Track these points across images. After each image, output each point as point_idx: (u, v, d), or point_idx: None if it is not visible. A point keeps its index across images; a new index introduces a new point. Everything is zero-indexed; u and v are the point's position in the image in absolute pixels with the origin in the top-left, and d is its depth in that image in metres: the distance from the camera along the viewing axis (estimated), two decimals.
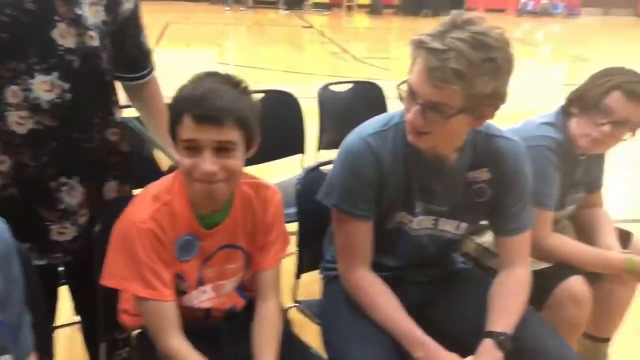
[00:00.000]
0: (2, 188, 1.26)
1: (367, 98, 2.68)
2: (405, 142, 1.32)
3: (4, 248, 0.94)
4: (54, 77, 1.22)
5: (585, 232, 1.84)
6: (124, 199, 1.28)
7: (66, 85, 1.24)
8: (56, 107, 1.24)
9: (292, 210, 1.61)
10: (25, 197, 1.28)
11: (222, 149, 1.16)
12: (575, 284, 1.57)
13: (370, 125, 1.36)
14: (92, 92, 1.31)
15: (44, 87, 1.22)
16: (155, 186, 1.26)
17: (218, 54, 8.70)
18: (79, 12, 1.24)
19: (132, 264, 1.18)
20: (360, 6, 14.34)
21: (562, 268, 1.62)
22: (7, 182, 1.26)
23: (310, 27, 11.69)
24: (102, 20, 1.29)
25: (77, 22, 1.24)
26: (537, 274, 1.50)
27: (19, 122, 1.21)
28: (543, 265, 1.63)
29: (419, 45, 1.17)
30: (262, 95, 2.45)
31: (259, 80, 6.73)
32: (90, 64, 1.28)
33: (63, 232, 1.33)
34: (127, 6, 1.36)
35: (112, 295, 1.29)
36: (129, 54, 1.43)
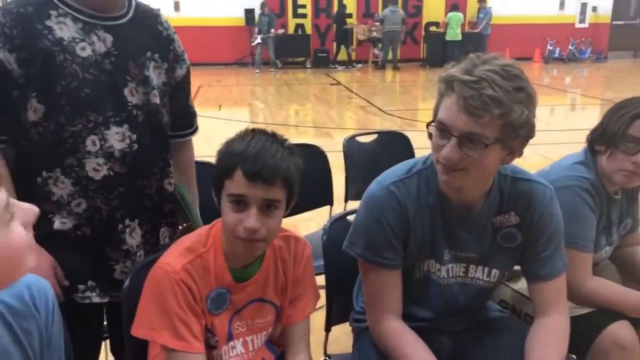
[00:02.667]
0: (75, 227, 1.36)
1: (393, 148, 2.69)
2: (429, 189, 1.31)
3: (46, 310, 0.96)
4: (125, 128, 1.36)
5: (628, 272, 1.77)
6: (153, 259, 1.29)
7: (134, 137, 1.38)
8: (125, 155, 1.37)
9: (321, 262, 1.60)
10: (95, 237, 1.37)
11: (267, 207, 1.17)
12: (621, 329, 1.49)
13: (393, 172, 1.36)
14: (153, 144, 1.43)
15: (117, 137, 1.35)
16: (189, 238, 1.28)
17: (249, 114, 8.93)
18: (147, 73, 1.40)
19: (163, 314, 1.18)
20: (387, 61, 14.62)
21: (605, 313, 1.54)
22: (81, 222, 1.36)
23: (338, 83, 11.93)
24: (162, 82, 1.44)
25: (144, 82, 1.39)
26: (577, 320, 1.43)
27: (95, 168, 1.34)
28: (584, 310, 1.56)
29: (450, 79, 1.17)
30: None
31: (290, 136, 6.83)
32: (152, 119, 1.42)
33: (125, 272, 1.40)
34: (179, 72, 1.51)
35: (144, 348, 1.27)
36: (177, 114, 1.54)
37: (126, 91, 1.36)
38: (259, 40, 13.62)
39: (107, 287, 1.40)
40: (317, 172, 2.51)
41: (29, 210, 0.78)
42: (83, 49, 1.31)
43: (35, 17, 1.29)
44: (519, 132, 1.18)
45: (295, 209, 2.36)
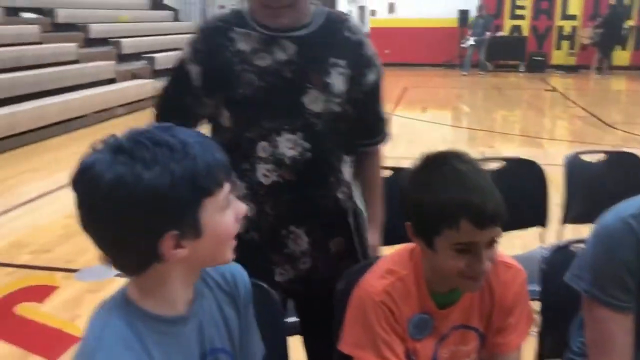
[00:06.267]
0: (246, 231, 1.38)
1: (623, 171, 2.41)
2: None
3: (243, 289, 1.07)
4: (298, 136, 1.35)
5: None
6: (367, 265, 1.32)
7: (307, 145, 1.36)
8: (296, 163, 1.36)
9: (532, 287, 1.50)
10: (261, 241, 1.41)
11: (491, 244, 1.13)
12: None
13: (633, 204, 1.22)
14: (329, 153, 1.41)
15: (288, 144, 1.35)
16: (389, 259, 1.27)
17: (452, 117, 8.77)
18: (328, 80, 1.36)
19: (367, 334, 1.19)
20: (615, 67, 13.16)
21: None
22: (251, 226, 1.39)
23: (553, 90, 11.10)
24: (346, 89, 1.39)
25: (326, 90, 1.36)
26: None
27: (265, 174, 1.36)
28: None
29: None
30: (502, 163, 2.38)
31: (495, 144, 6.58)
32: (331, 127, 1.39)
33: (283, 273, 1.44)
34: (371, 77, 1.45)
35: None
36: (365, 121, 1.50)
37: (305, 99, 1.35)
38: (471, 42, 13.25)
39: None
40: (530, 189, 2.35)
41: (242, 207, 0.95)
42: (262, 58, 1.35)
43: (221, 32, 1.39)
44: None
45: (504, 227, 2.27)
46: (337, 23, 1.43)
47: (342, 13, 1.51)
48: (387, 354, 1.18)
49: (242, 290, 1.07)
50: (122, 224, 0.83)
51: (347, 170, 1.47)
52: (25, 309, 2.83)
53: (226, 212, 0.91)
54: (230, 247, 0.95)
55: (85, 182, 0.84)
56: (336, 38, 1.41)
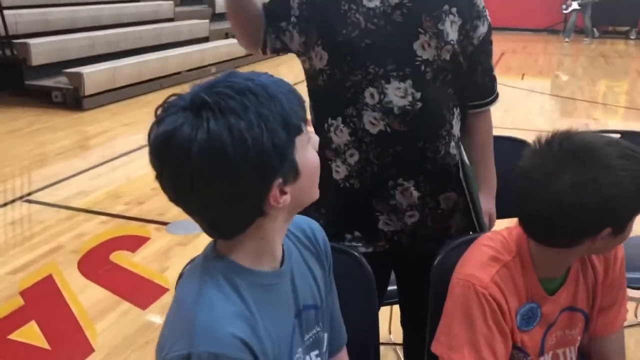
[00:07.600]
0: (346, 178, 1.36)
1: None
2: None
3: (323, 245, 1.02)
4: (408, 84, 1.28)
5: None
6: (467, 241, 1.22)
7: (418, 94, 1.28)
8: (406, 113, 1.29)
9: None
10: (363, 189, 1.36)
11: None
12: None
13: None
14: (440, 105, 1.33)
15: (398, 93, 1.28)
16: (490, 243, 1.14)
17: (551, 86, 8.26)
18: (441, 27, 1.28)
19: (466, 330, 1.08)
20: None
21: None
22: (352, 174, 1.35)
23: None
24: (457, 39, 1.31)
25: (438, 36, 1.28)
26: None
27: (372, 122, 1.30)
28: None
29: None
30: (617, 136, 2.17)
31: (597, 115, 6.14)
32: (442, 77, 1.31)
33: (388, 223, 1.38)
34: (481, 30, 1.37)
35: None
36: (476, 76, 1.40)
37: (416, 44, 1.27)
38: (574, 6, 12.30)
39: (371, 237, 1.39)
40: None
41: (316, 138, 0.87)
42: (371, 0, 1.27)
43: None
44: None
45: None
46: None
47: None
48: (485, 353, 1.06)
49: (322, 245, 1.01)
50: (226, 186, 0.75)
51: (457, 125, 1.40)
52: (119, 257, 2.97)
53: (309, 146, 0.84)
54: (317, 182, 0.88)
55: (172, 150, 0.74)
56: None
